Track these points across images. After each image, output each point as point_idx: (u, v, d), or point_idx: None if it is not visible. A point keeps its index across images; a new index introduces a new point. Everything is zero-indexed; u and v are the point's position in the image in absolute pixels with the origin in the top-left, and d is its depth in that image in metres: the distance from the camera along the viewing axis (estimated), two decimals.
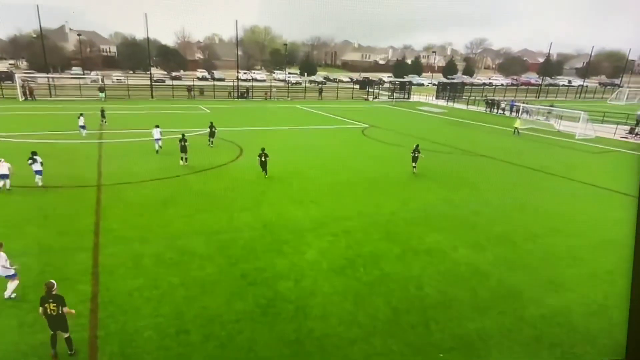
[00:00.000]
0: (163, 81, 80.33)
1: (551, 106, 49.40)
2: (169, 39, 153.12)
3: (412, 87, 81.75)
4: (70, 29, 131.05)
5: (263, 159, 21.87)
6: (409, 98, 75.70)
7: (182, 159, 23.63)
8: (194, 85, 66.21)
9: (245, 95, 66.71)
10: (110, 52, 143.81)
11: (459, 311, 10.70)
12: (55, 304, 8.48)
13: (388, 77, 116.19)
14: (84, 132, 30.79)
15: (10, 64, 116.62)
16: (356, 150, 30.46)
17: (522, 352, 9.26)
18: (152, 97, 60.17)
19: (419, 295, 11.38)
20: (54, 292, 8.60)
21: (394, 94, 76.09)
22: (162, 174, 21.59)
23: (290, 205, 18.03)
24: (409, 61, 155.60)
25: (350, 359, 8.90)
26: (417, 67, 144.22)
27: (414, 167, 23.59)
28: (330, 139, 34.87)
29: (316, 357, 8.94)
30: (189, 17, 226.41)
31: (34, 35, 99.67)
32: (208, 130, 28.99)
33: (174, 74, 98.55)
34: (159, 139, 26.12)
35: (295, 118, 47.43)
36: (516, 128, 40.51)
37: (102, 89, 55.90)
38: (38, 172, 19.03)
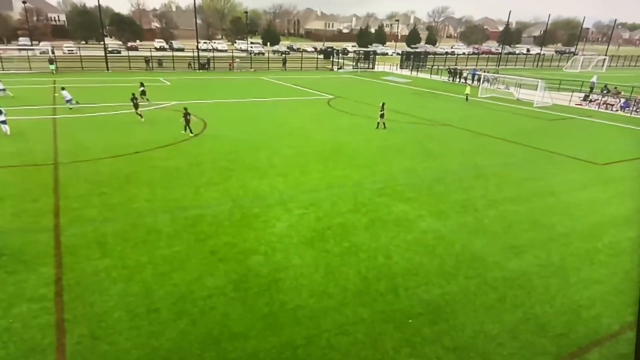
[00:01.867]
0: (119, 52, 76.64)
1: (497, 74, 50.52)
2: (123, 7, 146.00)
3: (377, 56, 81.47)
4: None
5: (188, 118, 23.81)
6: (373, 68, 75.54)
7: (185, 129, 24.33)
8: (151, 56, 63.67)
9: (207, 66, 64.78)
10: (59, 21, 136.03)
11: (426, 278, 11.05)
12: None
13: (352, 46, 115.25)
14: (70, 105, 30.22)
15: None
16: (322, 121, 30.35)
17: (486, 315, 9.70)
18: (108, 69, 57.59)
19: (387, 264, 11.66)
20: None
21: (359, 64, 75.71)
22: (121, 151, 20.88)
23: (258, 179, 17.88)
24: (372, 30, 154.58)
25: (323, 329, 9.08)
26: (381, 36, 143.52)
27: (380, 123, 26.90)
28: (296, 111, 34.56)
29: (289, 328, 9.07)
30: None
31: None
32: (182, 118, 24.63)
33: (129, 44, 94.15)
34: (70, 100, 28.94)
35: (260, 90, 46.57)
36: (467, 94, 41.73)
37: (51, 61, 52.86)
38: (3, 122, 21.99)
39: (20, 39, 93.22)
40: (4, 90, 28.71)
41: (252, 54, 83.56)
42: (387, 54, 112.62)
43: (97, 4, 59.62)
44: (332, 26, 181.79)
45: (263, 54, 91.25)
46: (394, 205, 15.64)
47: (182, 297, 9.91)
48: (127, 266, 11.07)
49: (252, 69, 67.25)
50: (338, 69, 74.20)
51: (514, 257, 12.28)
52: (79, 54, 62.39)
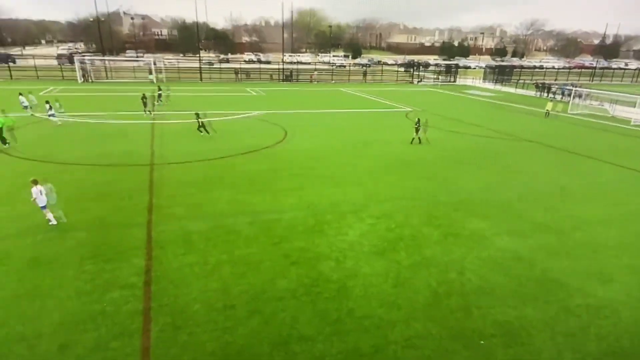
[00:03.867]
0: (212, 64, 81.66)
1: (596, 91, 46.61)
2: (218, 23, 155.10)
3: (459, 69, 79.17)
4: (124, 13, 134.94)
5: (200, 123, 25.92)
6: (455, 81, 73.48)
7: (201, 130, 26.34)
8: (240, 68, 67.00)
9: (290, 78, 66.88)
10: (162, 35, 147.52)
11: (501, 298, 10.48)
12: None
13: (434, 59, 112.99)
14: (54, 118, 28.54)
15: (70, 47, 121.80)
16: (398, 133, 30.02)
17: (566, 343, 8.98)
18: (201, 80, 61.42)
19: (460, 280, 11.22)
20: None
21: (440, 77, 74.04)
22: (208, 155, 22.15)
23: (333, 187, 18.09)
24: (456, 43, 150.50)
25: (390, 340, 8.94)
26: (465, 50, 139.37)
27: (416, 138, 26.14)
28: (373, 122, 34.54)
29: (356, 336, 9.04)
30: (239, 1, 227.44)
31: (91, 19, 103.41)
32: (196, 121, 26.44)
33: (222, 57, 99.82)
34: (26, 106, 30.48)
35: (338, 101, 47.21)
36: (547, 110, 39.07)
37: (151, 72, 57.60)
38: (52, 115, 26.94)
39: (127, 51, 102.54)
40: (53, 115, 29.16)
41: (334, 67, 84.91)
42: (470, 67, 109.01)
43: (195, 20, 64.03)
44: (415, 39, 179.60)
45: (344, 66, 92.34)
46: (469, 220, 15.04)
47: (255, 297, 10.26)
48: (208, 263, 11.69)
49: (332, 81, 68.29)
50: (418, 81, 73.12)
51: (601, 284, 11.26)
52: (177, 66, 67.35)
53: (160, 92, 38.94)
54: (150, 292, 10.34)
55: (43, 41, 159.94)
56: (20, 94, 31.48)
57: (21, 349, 8.34)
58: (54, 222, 13.53)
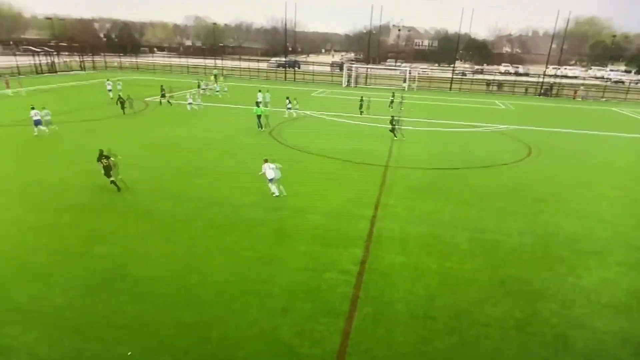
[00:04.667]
0: (464, 74, 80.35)
1: None
2: (481, 33, 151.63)
3: None
4: (393, 25, 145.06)
5: (393, 124, 26.72)
6: None
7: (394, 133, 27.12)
8: (494, 79, 63.87)
9: (549, 92, 60.17)
10: (422, 45, 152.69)
11: None
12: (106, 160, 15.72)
13: None
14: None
15: (342, 56, 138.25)
16: None
17: None
18: (450, 90, 61.14)
19: None
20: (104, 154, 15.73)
21: None
22: (443, 164, 21.98)
23: (573, 219, 15.59)
24: None
25: None
26: None
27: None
28: (633, 150, 28.08)
29: None
30: (507, 10, 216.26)
31: (364, 31, 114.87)
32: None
33: (477, 67, 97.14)
34: (38, 121, 23.97)
35: (606, 122, 39.92)
36: None
37: (405, 80, 60.39)
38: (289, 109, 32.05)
39: (388, 60, 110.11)
40: (290, 109, 33.30)
41: (608, 82, 72.42)
42: None
43: (457, 31, 64.02)
44: None
45: (622, 82, 77.62)
46: None
47: (459, 315, 9.77)
48: (418, 268, 11.72)
49: (603, 99, 58.30)
50: None
51: None
52: (429, 75, 68.80)
53: (392, 98, 40.38)
54: (361, 281, 11.02)
55: (323, 50, 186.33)
56: (259, 90, 36.55)
57: (255, 303, 10.03)
58: (276, 193, 16.27)
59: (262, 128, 28.28)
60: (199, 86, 44.69)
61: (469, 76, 74.87)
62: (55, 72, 59.66)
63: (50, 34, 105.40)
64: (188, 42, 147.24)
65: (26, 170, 18.87)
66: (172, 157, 21.48)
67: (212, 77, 54.62)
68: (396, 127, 27.11)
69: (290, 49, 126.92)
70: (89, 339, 8.64)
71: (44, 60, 60.43)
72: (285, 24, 77.06)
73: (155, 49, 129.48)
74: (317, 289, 10.61)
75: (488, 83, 62.61)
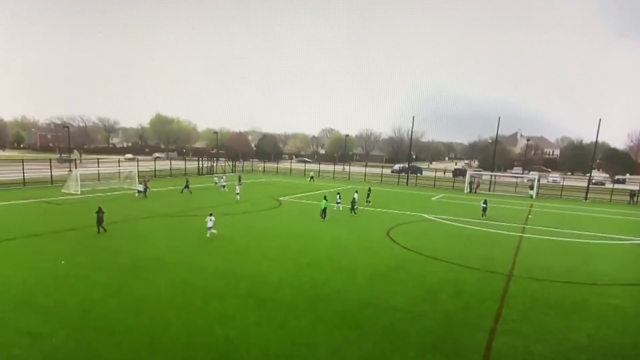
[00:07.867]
0: (602, 184, 72.18)
1: None
2: (620, 141, 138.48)
3: None
4: (521, 135, 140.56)
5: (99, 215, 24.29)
6: None
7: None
8: (639, 190, 56.00)
9: None
10: (552, 155, 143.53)
11: None
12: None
13: None
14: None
15: (465, 163, 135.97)
16: None
17: None
18: (586, 199, 54.92)
19: None
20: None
21: None
22: (576, 278, 19.05)
23: None
24: None
25: None
26: None
27: None
28: None
29: None
30: None
31: (490, 141, 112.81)
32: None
33: (617, 177, 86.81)
34: (210, 227, 23.97)
35: None
36: None
37: (532, 187, 56.23)
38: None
39: (514, 168, 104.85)
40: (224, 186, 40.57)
41: None
42: None
43: (593, 140, 59.21)
44: None
45: None
46: None
47: None
48: None
49: None
50: None
51: None
52: (561, 184, 63.19)
53: (484, 205, 36.65)
54: None
55: (447, 158, 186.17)
56: (338, 193, 37.10)
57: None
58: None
59: (324, 218, 30.72)
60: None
61: (609, 186, 66.98)
62: (211, 173, 68.70)
63: (213, 144, 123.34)
64: (322, 151, 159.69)
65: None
66: (305, 252, 22.26)
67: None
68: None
69: (414, 156, 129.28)
70: None
71: (206, 164, 71.09)
72: (411, 134, 79.22)
73: (294, 156, 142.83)
74: None
75: (632, 194, 54.99)
